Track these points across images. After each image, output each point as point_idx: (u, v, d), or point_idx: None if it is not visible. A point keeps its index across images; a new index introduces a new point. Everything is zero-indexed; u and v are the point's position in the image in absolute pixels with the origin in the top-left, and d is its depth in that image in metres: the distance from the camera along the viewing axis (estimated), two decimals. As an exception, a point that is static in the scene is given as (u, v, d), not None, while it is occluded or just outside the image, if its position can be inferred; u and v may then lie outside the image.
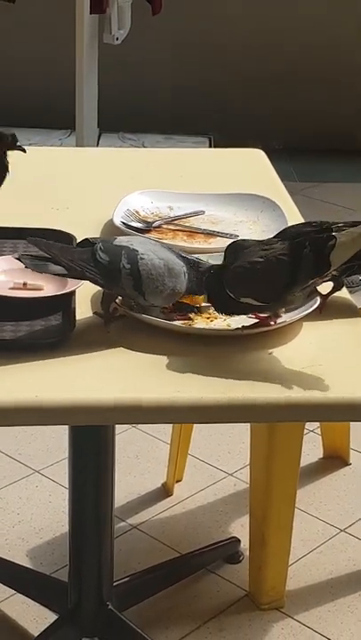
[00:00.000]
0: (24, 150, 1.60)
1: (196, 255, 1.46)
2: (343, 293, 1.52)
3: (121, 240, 1.41)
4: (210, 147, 4.41)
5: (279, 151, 4.57)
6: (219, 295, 1.40)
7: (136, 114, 4.60)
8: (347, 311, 1.51)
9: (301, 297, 1.41)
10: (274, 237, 1.44)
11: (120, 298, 1.42)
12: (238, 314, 1.41)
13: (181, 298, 1.43)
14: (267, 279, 1.37)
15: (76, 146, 3.94)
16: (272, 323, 1.41)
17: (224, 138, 4.40)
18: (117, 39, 4.02)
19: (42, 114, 4.54)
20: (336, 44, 4.61)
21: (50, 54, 4.55)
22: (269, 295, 1.38)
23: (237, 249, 1.41)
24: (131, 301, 1.41)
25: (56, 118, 4.44)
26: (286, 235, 1.43)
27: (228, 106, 4.66)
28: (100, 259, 1.36)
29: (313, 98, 4.67)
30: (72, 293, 1.41)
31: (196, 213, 1.78)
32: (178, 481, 2.42)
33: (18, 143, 1.58)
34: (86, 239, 1.41)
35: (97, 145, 4.17)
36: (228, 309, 1.41)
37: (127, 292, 1.38)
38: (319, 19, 4.58)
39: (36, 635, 1.92)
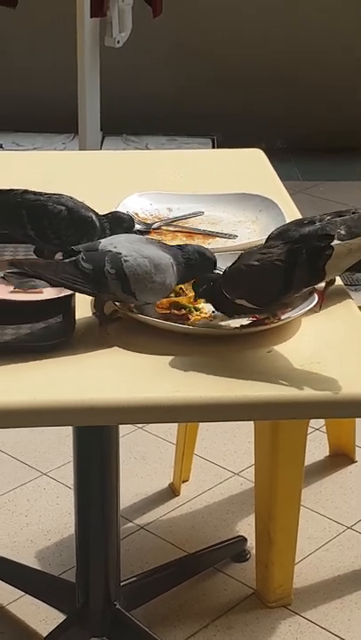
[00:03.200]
0: None
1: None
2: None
3: (105, 244, 1.41)
4: (213, 148, 4.42)
5: (283, 150, 4.61)
6: (218, 295, 1.41)
7: (139, 116, 4.61)
8: (340, 298, 1.51)
9: (297, 300, 1.41)
10: (276, 237, 1.44)
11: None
12: (236, 314, 1.42)
13: (177, 296, 1.44)
14: (261, 284, 1.37)
15: (79, 149, 3.95)
16: (267, 322, 1.42)
17: (228, 138, 4.41)
18: (119, 42, 4.03)
19: (45, 118, 4.55)
20: (337, 42, 4.62)
21: (52, 59, 4.57)
22: (263, 299, 1.38)
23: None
24: (129, 303, 1.42)
25: (59, 122, 4.45)
26: (287, 237, 1.43)
27: (231, 106, 4.67)
28: (83, 268, 1.37)
29: (316, 96, 4.68)
30: (72, 295, 1.42)
31: (195, 214, 1.79)
32: (184, 481, 2.43)
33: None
34: (71, 248, 1.41)
35: (100, 148, 4.19)
36: (227, 310, 1.42)
37: (118, 295, 1.39)
38: (320, 19, 4.59)
39: (45, 635, 1.93)
